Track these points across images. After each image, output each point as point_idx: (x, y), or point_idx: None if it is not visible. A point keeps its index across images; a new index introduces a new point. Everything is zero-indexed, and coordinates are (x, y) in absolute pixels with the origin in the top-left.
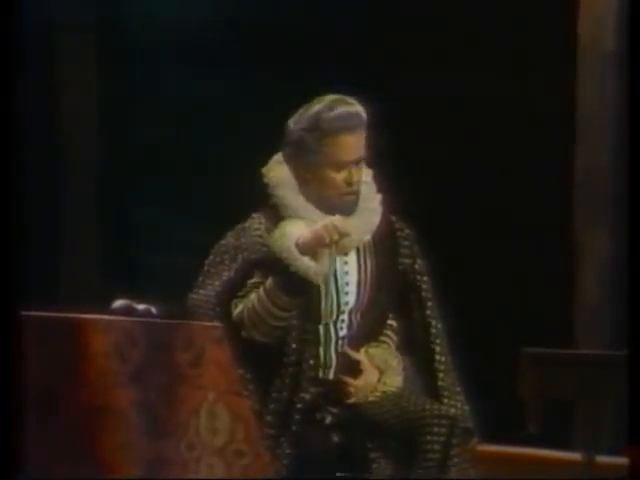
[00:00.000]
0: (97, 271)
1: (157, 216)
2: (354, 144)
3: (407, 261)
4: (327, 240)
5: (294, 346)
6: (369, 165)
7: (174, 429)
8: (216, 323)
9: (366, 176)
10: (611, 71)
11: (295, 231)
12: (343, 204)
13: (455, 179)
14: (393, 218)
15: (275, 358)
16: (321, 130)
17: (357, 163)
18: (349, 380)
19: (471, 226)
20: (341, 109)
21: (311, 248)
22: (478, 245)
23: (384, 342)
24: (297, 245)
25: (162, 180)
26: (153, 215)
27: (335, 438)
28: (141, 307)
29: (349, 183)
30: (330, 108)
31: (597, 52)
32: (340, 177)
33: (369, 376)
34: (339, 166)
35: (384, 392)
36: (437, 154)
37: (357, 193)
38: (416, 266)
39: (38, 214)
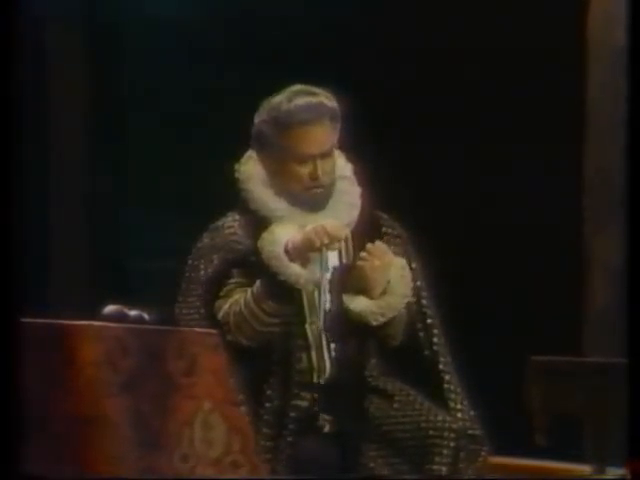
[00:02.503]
0: (87, 275)
1: (151, 218)
2: (316, 136)
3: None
4: (317, 244)
5: (282, 352)
6: (349, 160)
7: (167, 440)
8: (211, 330)
9: (345, 170)
10: (622, 69)
11: (284, 235)
12: (310, 199)
13: (458, 180)
14: (384, 216)
15: (265, 365)
16: (279, 123)
17: (323, 156)
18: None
19: (474, 229)
20: (300, 101)
21: (301, 253)
22: (480, 249)
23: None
24: (286, 251)
25: (156, 182)
26: (146, 217)
27: (334, 448)
28: (133, 313)
29: (314, 177)
30: (289, 100)
31: (608, 49)
32: (304, 171)
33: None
34: (302, 159)
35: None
36: (438, 153)
37: (326, 187)
38: (412, 265)
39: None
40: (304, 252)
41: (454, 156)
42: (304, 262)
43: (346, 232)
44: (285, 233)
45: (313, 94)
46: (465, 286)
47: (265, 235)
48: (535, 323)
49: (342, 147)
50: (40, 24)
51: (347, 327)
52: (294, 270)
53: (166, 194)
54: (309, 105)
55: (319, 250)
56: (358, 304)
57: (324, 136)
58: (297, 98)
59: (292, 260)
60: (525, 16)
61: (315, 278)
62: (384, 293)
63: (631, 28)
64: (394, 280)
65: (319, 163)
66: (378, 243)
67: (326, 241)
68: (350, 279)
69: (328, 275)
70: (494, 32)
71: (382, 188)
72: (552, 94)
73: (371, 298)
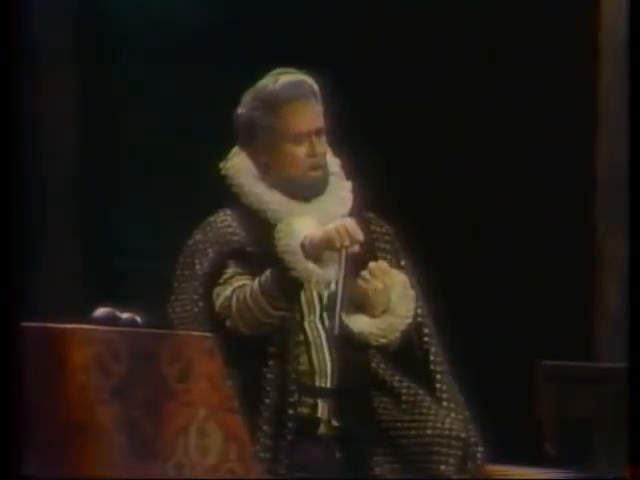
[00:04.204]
0: (76, 276)
1: (142, 218)
2: (307, 112)
3: (390, 257)
4: (338, 245)
5: (279, 349)
6: (336, 155)
7: (161, 448)
8: (206, 333)
9: (333, 166)
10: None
11: (302, 229)
12: (309, 183)
13: (461, 177)
14: (370, 215)
15: (262, 361)
16: (269, 105)
17: (317, 134)
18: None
19: (478, 227)
20: (284, 79)
21: (318, 251)
22: (484, 249)
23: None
24: (303, 245)
25: (149, 181)
26: (138, 217)
27: (337, 451)
28: (125, 316)
29: (312, 155)
30: (274, 81)
31: (620, 47)
32: (301, 150)
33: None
34: (297, 138)
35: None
36: (441, 151)
37: (323, 168)
38: (401, 262)
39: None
40: (322, 250)
41: (457, 153)
42: (319, 260)
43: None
44: (303, 227)
45: (294, 73)
46: (468, 286)
47: (282, 227)
48: (543, 326)
49: (328, 142)
50: (34, 22)
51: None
52: (308, 267)
53: (160, 194)
54: (294, 82)
55: (338, 250)
56: (358, 323)
57: (313, 113)
58: (281, 77)
59: (307, 257)
60: (533, 12)
61: (328, 278)
62: (384, 312)
63: (631, 26)
64: (395, 300)
65: (315, 140)
66: (381, 263)
67: (347, 242)
68: (350, 297)
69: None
70: (497, 26)
71: (371, 184)
72: (563, 92)
73: (371, 317)
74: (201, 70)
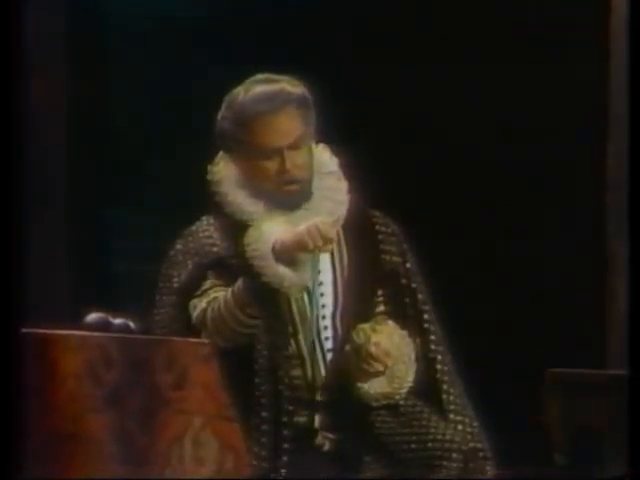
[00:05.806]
0: (68, 281)
1: (138, 220)
2: (279, 127)
3: (395, 259)
4: (310, 246)
5: (271, 364)
6: (335, 153)
7: (155, 459)
8: (203, 339)
9: (330, 165)
10: None
11: (272, 232)
12: (285, 198)
13: (475, 181)
14: (376, 213)
15: (252, 377)
16: (238, 118)
17: (292, 147)
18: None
19: (488, 230)
20: (258, 90)
21: (289, 254)
22: (490, 251)
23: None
24: (273, 249)
25: (143, 182)
26: (133, 219)
27: (335, 467)
28: (118, 321)
29: (282, 171)
30: (246, 91)
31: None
32: (272, 166)
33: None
34: (267, 154)
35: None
36: (445, 153)
37: (301, 182)
38: (407, 265)
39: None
40: (294, 253)
41: (462, 154)
42: (292, 264)
43: (337, 231)
44: (273, 230)
45: (273, 81)
46: (472, 289)
47: (251, 231)
48: (552, 331)
49: (327, 140)
50: (34, 22)
51: (343, 341)
52: (279, 271)
53: (152, 196)
54: (267, 94)
55: (311, 252)
56: (360, 386)
57: (289, 125)
58: (254, 88)
59: (278, 261)
60: (544, 12)
61: (302, 282)
62: (384, 374)
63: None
64: (396, 372)
65: (287, 155)
66: (383, 343)
67: (319, 243)
68: (350, 369)
69: (321, 281)
70: (503, 26)
71: (374, 182)
72: (574, 92)
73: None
74: (201, 70)
